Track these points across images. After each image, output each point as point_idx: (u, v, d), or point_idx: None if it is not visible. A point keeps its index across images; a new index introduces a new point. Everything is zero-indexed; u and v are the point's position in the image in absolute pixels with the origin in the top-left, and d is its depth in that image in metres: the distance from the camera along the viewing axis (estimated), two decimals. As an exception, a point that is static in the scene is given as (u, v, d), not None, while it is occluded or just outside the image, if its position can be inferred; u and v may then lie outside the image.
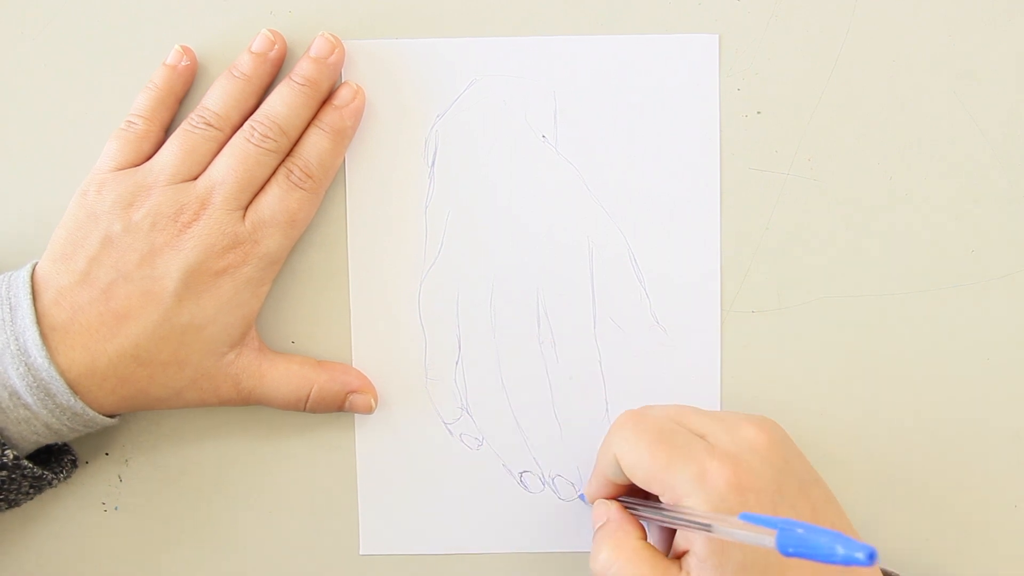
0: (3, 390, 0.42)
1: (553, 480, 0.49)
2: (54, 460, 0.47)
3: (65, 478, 0.47)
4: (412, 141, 0.48)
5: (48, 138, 0.48)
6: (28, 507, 0.49)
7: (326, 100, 0.47)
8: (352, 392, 0.47)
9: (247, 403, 0.47)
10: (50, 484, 0.46)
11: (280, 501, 0.49)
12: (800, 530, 0.33)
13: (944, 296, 0.48)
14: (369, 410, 0.48)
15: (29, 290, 0.43)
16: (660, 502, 0.42)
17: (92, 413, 0.44)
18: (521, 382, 0.49)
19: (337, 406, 0.47)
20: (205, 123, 0.45)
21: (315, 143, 0.46)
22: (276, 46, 0.46)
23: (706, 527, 0.38)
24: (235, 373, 0.46)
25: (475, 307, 0.49)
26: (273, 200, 0.45)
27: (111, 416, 0.45)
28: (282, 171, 0.45)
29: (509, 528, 0.49)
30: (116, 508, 0.49)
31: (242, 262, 0.44)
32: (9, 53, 0.48)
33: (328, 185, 0.47)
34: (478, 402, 0.49)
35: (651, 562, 0.41)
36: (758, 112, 0.48)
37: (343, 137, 0.46)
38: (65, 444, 0.47)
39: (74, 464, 0.47)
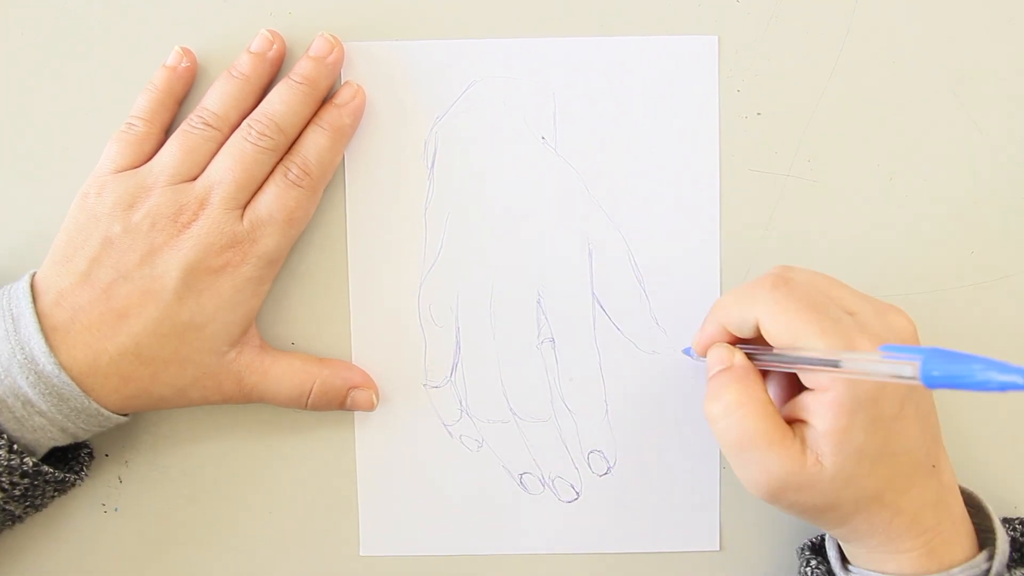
0: (16, 400, 0.42)
1: (553, 481, 0.49)
2: (71, 457, 0.47)
3: (86, 476, 0.47)
4: (412, 142, 0.48)
5: (48, 141, 0.48)
6: (28, 508, 0.49)
7: (326, 100, 0.47)
8: (354, 388, 0.48)
9: (250, 400, 0.47)
10: (73, 485, 0.46)
11: (280, 503, 0.49)
12: (950, 357, 0.30)
13: (944, 296, 0.48)
14: (371, 406, 0.48)
15: (30, 298, 0.43)
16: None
17: (106, 411, 0.44)
18: (521, 383, 0.49)
19: (339, 403, 0.48)
20: (204, 123, 0.45)
21: (314, 141, 0.46)
22: (275, 46, 0.46)
23: (835, 363, 0.36)
24: (237, 370, 0.46)
25: (475, 308, 0.49)
26: (271, 199, 0.45)
27: (122, 415, 0.45)
28: (280, 169, 0.45)
29: (509, 529, 0.49)
30: (116, 509, 0.50)
31: (241, 261, 0.44)
32: (8, 55, 0.48)
33: (326, 184, 0.47)
34: (478, 403, 0.49)
35: (774, 420, 0.40)
36: (758, 113, 0.48)
37: (342, 135, 0.46)
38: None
39: (91, 456, 0.48)
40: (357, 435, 0.49)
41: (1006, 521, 0.46)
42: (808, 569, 0.45)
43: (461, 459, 0.49)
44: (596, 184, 0.48)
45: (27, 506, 0.45)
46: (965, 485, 0.45)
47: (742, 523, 0.49)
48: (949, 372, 0.30)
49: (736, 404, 0.41)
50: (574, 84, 0.48)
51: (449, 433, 0.49)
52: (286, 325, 0.49)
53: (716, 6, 0.47)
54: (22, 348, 0.42)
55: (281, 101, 0.45)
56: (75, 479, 0.46)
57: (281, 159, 0.46)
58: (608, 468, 0.49)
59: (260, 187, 0.45)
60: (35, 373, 0.42)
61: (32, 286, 0.44)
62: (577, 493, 0.49)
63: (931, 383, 0.31)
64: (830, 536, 0.45)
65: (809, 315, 0.40)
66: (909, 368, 0.31)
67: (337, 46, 0.46)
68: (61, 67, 0.48)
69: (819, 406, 0.39)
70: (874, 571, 0.42)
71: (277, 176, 0.45)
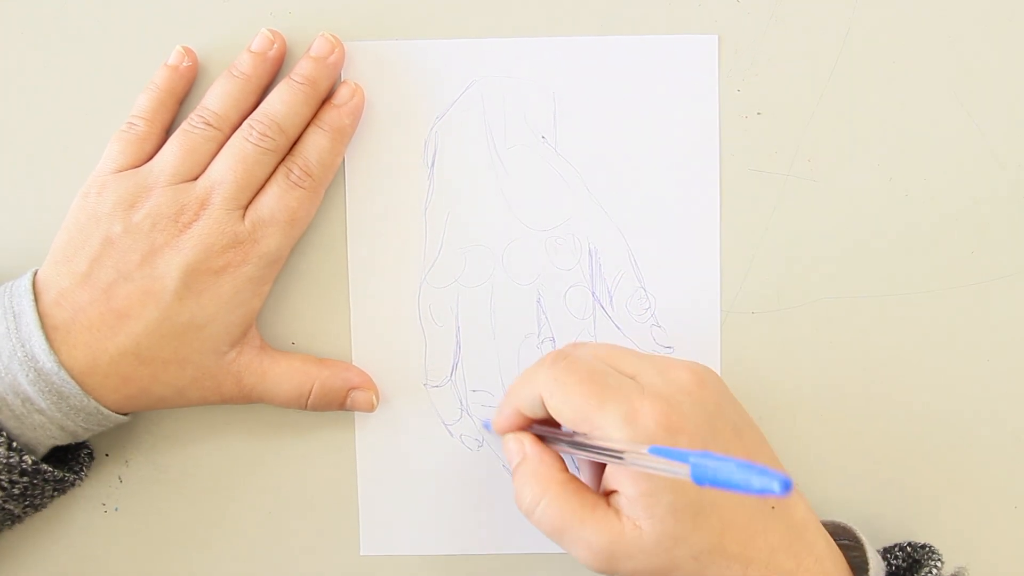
0: (15, 397, 0.42)
1: (553, 480, 0.49)
2: (71, 457, 0.47)
3: (86, 475, 0.47)
4: (412, 142, 0.48)
5: (48, 140, 0.48)
6: (28, 508, 0.49)
7: (325, 100, 0.47)
8: (353, 389, 0.48)
9: (249, 401, 0.47)
10: (72, 484, 0.46)
11: (280, 503, 0.49)
12: (713, 462, 0.33)
13: (944, 296, 0.48)
14: (371, 407, 0.48)
15: (31, 296, 0.43)
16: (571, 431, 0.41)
17: (105, 410, 0.44)
18: (521, 383, 0.49)
19: (338, 403, 0.48)
20: (205, 123, 0.45)
21: (314, 142, 0.46)
22: (275, 45, 0.46)
23: (619, 456, 0.38)
24: (237, 371, 0.46)
25: (475, 307, 0.49)
26: (272, 199, 0.45)
27: (122, 415, 0.45)
28: (281, 170, 0.45)
29: (509, 529, 0.49)
30: (116, 509, 0.50)
31: (242, 261, 0.44)
32: (9, 55, 0.48)
33: (327, 184, 0.47)
34: (478, 403, 0.49)
35: (579, 496, 0.41)
36: (758, 113, 0.48)
37: (342, 136, 0.46)
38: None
39: (91, 456, 0.48)
40: (357, 435, 0.49)
41: (888, 550, 0.45)
42: None
43: (461, 459, 0.49)
44: (596, 183, 0.48)
45: (26, 505, 0.45)
46: (837, 518, 0.44)
47: (742, 523, 0.49)
48: (715, 476, 0.33)
49: (539, 495, 0.41)
50: (574, 84, 0.48)
51: (449, 433, 0.49)
52: (286, 325, 0.49)
53: (716, 6, 0.47)
54: (23, 346, 0.42)
55: (282, 102, 0.45)
56: (74, 479, 0.46)
57: (282, 159, 0.46)
58: (608, 468, 0.49)
59: (261, 187, 0.45)
60: (35, 371, 0.42)
61: (34, 285, 0.44)
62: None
63: (701, 483, 0.33)
64: None
65: (587, 387, 0.40)
66: (682, 470, 0.34)
67: (338, 46, 0.46)
68: (62, 66, 0.48)
69: (622, 474, 0.40)
70: None
71: (279, 177, 0.45)
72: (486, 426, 0.49)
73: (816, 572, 0.41)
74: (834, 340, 0.48)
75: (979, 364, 0.48)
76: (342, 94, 0.47)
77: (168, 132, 0.47)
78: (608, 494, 0.41)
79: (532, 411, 0.43)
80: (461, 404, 0.49)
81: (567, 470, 0.43)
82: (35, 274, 0.44)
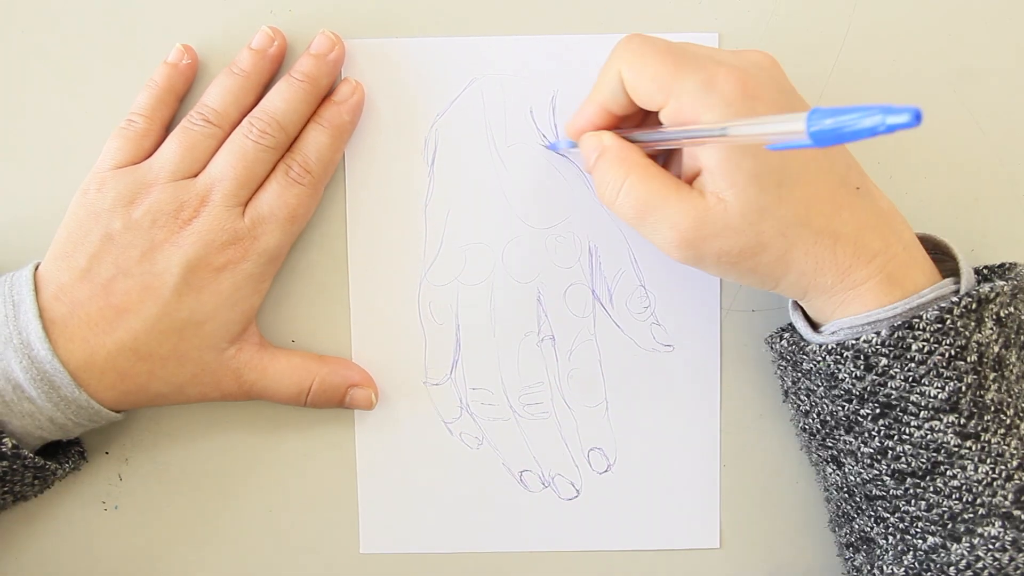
0: (7, 383, 0.42)
1: (553, 479, 0.49)
2: (61, 453, 0.47)
3: (72, 469, 0.47)
4: (412, 140, 0.48)
5: (48, 137, 0.48)
6: (28, 505, 0.49)
7: (325, 97, 0.47)
8: (353, 386, 0.48)
9: (249, 397, 0.47)
10: (55, 475, 0.46)
11: (280, 500, 0.49)
12: (827, 111, 0.29)
13: (944, 295, 0.48)
14: (370, 405, 0.48)
15: (32, 287, 0.43)
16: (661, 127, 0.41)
17: (96, 405, 0.44)
18: (521, 380, 0.49)
19: (338, 400, 0.48)
20: (205, 120, 0.45)
21: (314, 139, 0.46)
22: (276, 43, 0.46)
23: (721, 132, 0.36)
24: (236, 367, 0.46)
25: (475, 306, 0.49)
26: (272, 196, 0.45)
27: (115, 412, 0.45)
28: (281, 167, 0.45)
29: (509, 527, 0.49)
30: (116, 507, 0.49)
31: (242, 258, 0.44)
32: (9, 52, 0.48)
33: (327, 181, 0.47)
34: (478, 401, 0.49)
35: (663, 177, 0.41)
36: (758, 111, 0.48)
37: (342, 133, 0.47)
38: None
39: (82, 456, 0.48)
40: (357, 432, 0.49)
41: (974, 270, 0.45)
42: (783, 342, 0.44)
43: (461, 457, 0.49)
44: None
45: (5, 492, 0.44)
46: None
47: (742, 521, 0.49)
48: (834, 124, 0.29)
49: (622, 177, 0.41)
50: (575, 82, 0.48)
51: (449, 431, 0.49)
52: (286, 322, 0.49)
53: (717, 4, 0.47)
54: (19, 333, 0.42)
55: (282, 99, 0.45)
56: (56, 468, 0.45)
57: (282, 157, 0.46)
58: (608, 466, 0.49)
59: (261, 184, 0.45)
60: (29, 358, 0.42)
61: (34, 280, 0.44)
62: (577, 491, 0.49)
63: (819, 139, 0.30)
64: (793, 306, 0.44)
65: (665, 57, 0.40)
66: (798, 123, 0.30)
67: (338, 44, 0.46)
68: (62, 63, 0.48)
69: (703, 151, 0.39)
70: (840, 319, 0.41)
71: (279, 174, 0.45)
72: (552, 147, 0.47)
73: (905, 258, 0.41)
74: (834, 338, 0.48)
75: (979, 362, 0.48)
76: (342, 91, 0.47)
77: (167, 129, 0.47)
78: (690, 181, 0.41)
79: (613, 99, 0.42)
80: (461, 402, 0.49)
81: (648, 158, 0.42)
82: (36, 268, 0.44)
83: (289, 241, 0.46)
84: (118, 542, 0.50)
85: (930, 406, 0.40)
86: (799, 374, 0.44)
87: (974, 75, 0.48)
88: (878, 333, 0.40)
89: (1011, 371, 0.41)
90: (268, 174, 0.45)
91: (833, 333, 0.42)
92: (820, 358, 0.42)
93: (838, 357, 0.41)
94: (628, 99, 0.42)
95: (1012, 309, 0.41)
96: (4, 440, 0.42)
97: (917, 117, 0.27)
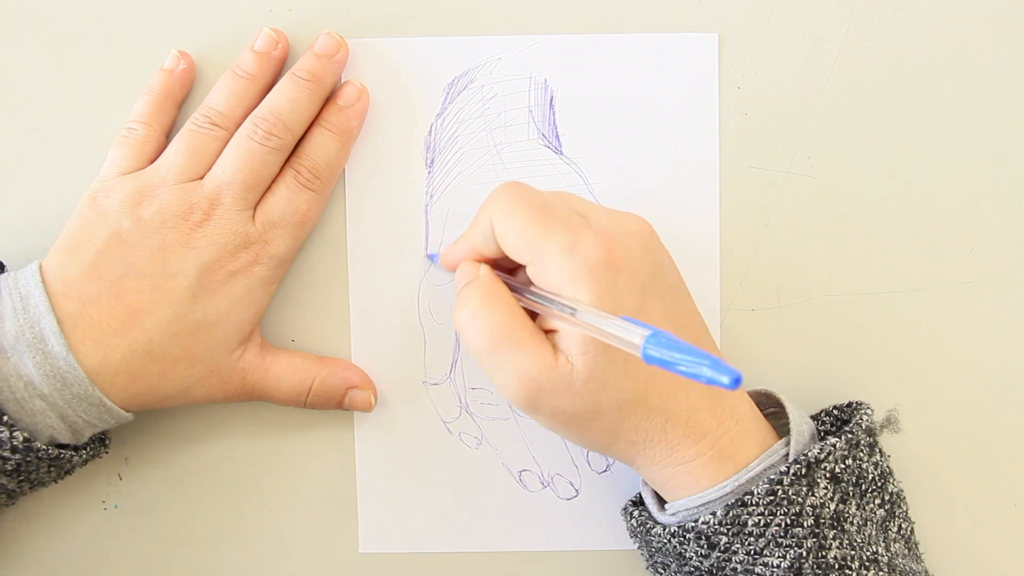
0: (18, 380, 0.42)
1: (552, 479, 0.49)
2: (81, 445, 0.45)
3: (91, 456, 0.45)
4: (412, 141, 0.48)
5: (47, 142, 0.48)
6: (28, 505, 0.49)
7: (329, 99, 0.47)
8: (352, 388, 0.48)
9: (250, 398, 0.47)
10: (71, 462, 0.44)
11: (280, 500, 0.49)
12: (666, 340, 0.32)
13: (944, 293, 0.48)
14: (369, 407, 0.48)
15: (39, 279, 0.43)
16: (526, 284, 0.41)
17: (108, 402, 0.43)
18: (521, 380, 0.49)
19: (337, 402, 0.48)
20: (210, 122, 0.45)
21: (322, 144, 0.46)
22: (280, 45, 0.46)
23: (571, 312, 0.37)
24: (242, 368, 0.46)
25: (475, 306, 0.48)
26: (282, 201, 0.45)
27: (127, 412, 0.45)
28: (290, 172, 0.45)
29: (508, 527, 0.49)
30: (116, 506, 0.49)
31: (254, 261, 0.44)
32: (7, 57, 0.48)
33: (334, 185, 0.47)
34: (477, 401, 0.49)
35: (521, 320, 0.41)
36: (758, 111, 0.48)
37: (349, 137, 0.47)
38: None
39: (102, 442, 0.46)
40: (356, 432, 0.49)
41: (815, 416, 0.46)
42: (632, 521, 0.45)
43: (460, 456, 0.49)
44: (597, 182, 0.48)
45: (21, 480, 0.43)
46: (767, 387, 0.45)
47: (742, 521, 0.49)
48: (665, 357, 0.32)
49: (482, 307, 0.41)
50: (575, 81, 0.48)
51: (448, 430, 0.49)
52: (286, 322, 0.49)
53: (717, 4, 0.47)
54: (31, 327, 0.42)
55: (287, 99, 0.45)
56: (71, 455, 0.44)
57: (288, 158, 0.46)
58: (607, 465, 0.49)
59: (269, 188, 0.45)
60: (42, 353, 0.42)
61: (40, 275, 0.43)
62: (576, 490, 0.49)
63: (649, 360, 0.32)
64: (644, 483, 0.44)
65: (535, 215, 0.40)
66: (635, 339, 0.33)
67: (343, 44, 0.46)
68: (60, 68, 0.48)
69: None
70: (682, 497, 0.42)
71: (287, 179, 0.45)
72: (432, 259, 0.48)
73: (736, 433, 0.41)
74: (834, 337, 0.48)
75: (978, 361, 0.48)
76: (349, 95, 0.47)
77: (168, 135, 0.47)
78: (548, 330, 0.41)
79: (484, 243, 0.42)
80: (460, 402, 0.49)
81: (513, 298, 0.42)
82: (40, 264, 0.44)
83: (298, 244, 0.46)
84: (118, 541, 0.50)
85: (775, 575, 0.40)
86: (652, 550, 0.44)
87: (974, 74, 0.48)
88: (714, 513, 0.40)
89: (851, 523, 0.41)
90: (275, 176, 0.45)
91: (675, 514, 0.42)
92: (666, 540, 0.42)
93: (682, 539, 0.42)
94: (499, 247, 0.42)
95: (849, 462, 0.42)
96: (16, 434, 0.41)
97: (736, 382, 0.30)
